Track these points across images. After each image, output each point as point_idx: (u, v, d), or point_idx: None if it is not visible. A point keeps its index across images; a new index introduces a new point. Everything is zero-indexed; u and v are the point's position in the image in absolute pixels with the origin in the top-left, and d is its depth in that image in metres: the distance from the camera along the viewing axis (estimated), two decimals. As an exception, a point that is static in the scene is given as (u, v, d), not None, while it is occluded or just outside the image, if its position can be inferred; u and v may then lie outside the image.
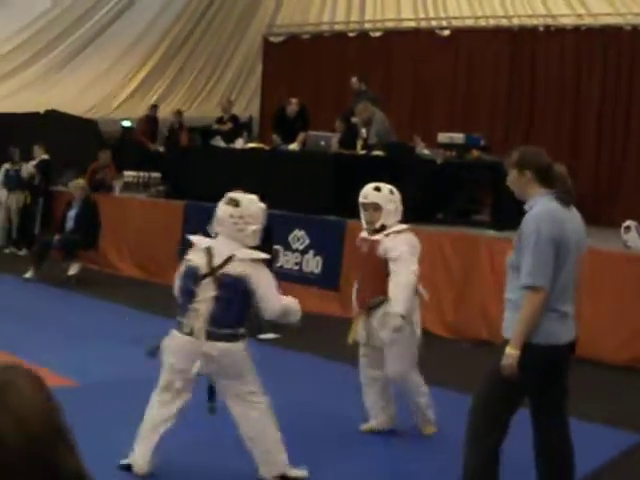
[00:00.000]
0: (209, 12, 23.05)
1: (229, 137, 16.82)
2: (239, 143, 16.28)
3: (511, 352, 5.27)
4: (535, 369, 5.44)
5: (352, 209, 12.08)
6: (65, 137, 19.27)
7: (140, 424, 6.18)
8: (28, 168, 17.46)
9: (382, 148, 14.01)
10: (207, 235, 6.52)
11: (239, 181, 11.95)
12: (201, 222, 13.08)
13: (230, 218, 6.31)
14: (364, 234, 7.52)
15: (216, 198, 11.53)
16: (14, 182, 17.59)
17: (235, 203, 6.35)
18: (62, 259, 14.80)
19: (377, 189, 7.40)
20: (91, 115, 22.68)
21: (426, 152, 14.82)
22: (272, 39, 22.80)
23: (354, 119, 15.33)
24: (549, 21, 18.84)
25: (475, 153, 14.86)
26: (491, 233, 12.24)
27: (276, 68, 22.18)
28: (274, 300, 6.20)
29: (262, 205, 6.55)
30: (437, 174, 14.14)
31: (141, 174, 18.25)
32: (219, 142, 16.57)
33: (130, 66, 23.57)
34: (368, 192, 7.41)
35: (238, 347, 6.10)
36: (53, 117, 20.87)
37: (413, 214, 11.05)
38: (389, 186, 7.50)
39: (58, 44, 21.89)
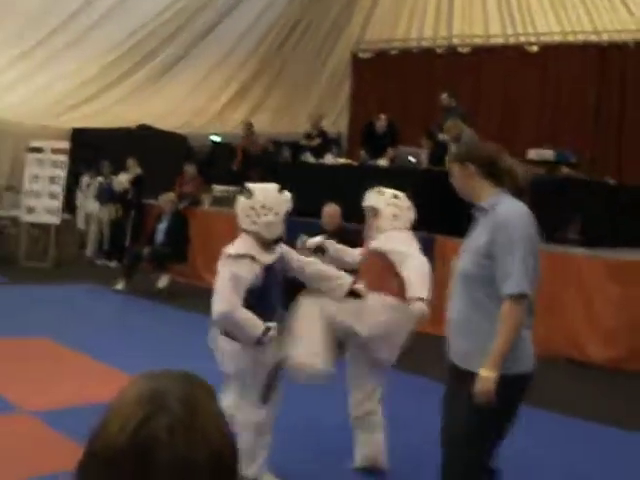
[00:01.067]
0: (298, 28, 23.23)
1: (318, 152, 16.93)
2: (328, 159, 16.38)
3: (489, 375, 4.39)
4: (514, 403, 4.65)
5: (441, 225, 12.10)
6: (155, 152, 19.57)
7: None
8: (121, 182, 17.80)
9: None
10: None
11: (328, 196, 12.09)
12: (289, 236, 13.26)
13: (242, 211, 5.96)
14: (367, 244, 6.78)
15: (305, 213, 11.68)
16: (107, 195, 17.98)
17: (248, 193, 5.95)
18: (152, 271, 15.03)
19: (379, 192, 6.83)
20: (181, 130, 22.99)
21: (515, 169, 14.77)
22: (360, 55, 22.94)
23: (441, 135, 15.34)
24: (638, 36, 18.71)
25: (564, 170, 14.75)
26: (581, 251, 12.13)
27: (364, 84, 22.30)
28: (215, 303, 5.65)
29: (283, 195, 6.02)
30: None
31: (230, 188, 18.44)
32: (308, 158, 16.71)
33: (220, 82, 23.85)
34: (368, 196, 6.88)
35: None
36: (144, 132, 21.20)
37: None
38: (397, 192, 6.83)
39: (147, 63, 22.24)
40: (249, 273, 5.72)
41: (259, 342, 5.65)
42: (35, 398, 7.68)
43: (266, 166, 17.37)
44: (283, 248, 6.15)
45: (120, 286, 14.53)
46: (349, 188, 14.03)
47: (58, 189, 17.51)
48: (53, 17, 19.53)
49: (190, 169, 17.60)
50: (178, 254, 14.84)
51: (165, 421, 1.41)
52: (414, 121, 19.32)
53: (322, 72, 24.17)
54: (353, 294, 6.17)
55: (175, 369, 1.56)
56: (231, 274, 5.68)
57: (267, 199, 5.94)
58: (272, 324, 5.68)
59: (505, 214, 4.59)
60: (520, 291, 4.43)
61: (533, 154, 15.20)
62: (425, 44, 22.68)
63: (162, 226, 14.99)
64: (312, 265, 6.31)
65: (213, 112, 24.61)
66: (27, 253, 17.41)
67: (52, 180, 17.67)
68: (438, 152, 14.83)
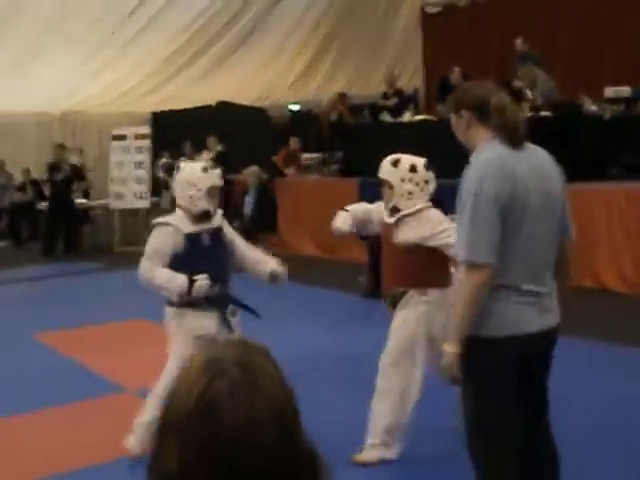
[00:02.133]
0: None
1: (396, 111, 16.98)
2: (406, 116, 16.44)
3: (448, 350, 4.13)
4: (500, 370, 4.20)
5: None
6: (235, 127, 19.73)
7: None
8: (204, 160, 18.01)
9: (549, 108, 13.96)
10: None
11: (409, 154, 12.18)
12: (376, 197, 13.37)
13: (175, 185, 6.51)
14: (384, 216, 6.41)
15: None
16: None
17: (178, 170, 6.52)
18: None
19: (394, 163, 6.25)
20: (259, 103, 23.15)
21: (593, 108, 14.66)
22: (429, 10, 22.83)
23: (517, 82, 15.28)
24: None
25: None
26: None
27: (436, 38, 22.23)
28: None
29: (206, 173, 6.33)
30: (605, 130, 13.95)
31: (314, 155, 18.59)
32: (386, 117, 16.78)
33: (292, 50, 23.96)
34: (383, 166, 6.34)
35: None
36: (223, 109, 21.38)
37: (583, 171, 11.02)
38: (417, 161, 6.32)
39: (217, 41, 22.43)
40: (167, 240, 6.16)
41: (189, 294, 5.99)
42: (140, 378, 7.96)
43: (346, 131, 17.50)
44: (224, 225, 6.47)
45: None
46: (429, 144, 14.11)
47: (144, 173, 17.82)
48: (122, 6, 19.82)
49: (294, 142, 17.75)
50: (267, 225, 15.04)
51: (225, 384, 1.54)
52: (488, 71, 19.19)
53: (393, 31, 24.11)
54: (274, 278, 6.42)
55: (233, 338, 1.70)
56: (150, 242, 6.21)
57: (191, 176, 6.29)
58: (199, 276, 5.98)
59: (470, 167, 4.20)
60: (472, 259, 4.05)
61: (610, 92, 15.09)
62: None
63: (249, 199, 15.21)
64: (242, 247, 6.54)
65: (289, 82, 24.75)
66: (120, 238, 17.78)
67: (137, 165, 17.98)
68: (514, 100, 14.76)
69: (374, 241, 11.53)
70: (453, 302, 4.20)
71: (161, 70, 22.74)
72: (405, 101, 18.23)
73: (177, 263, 6.12)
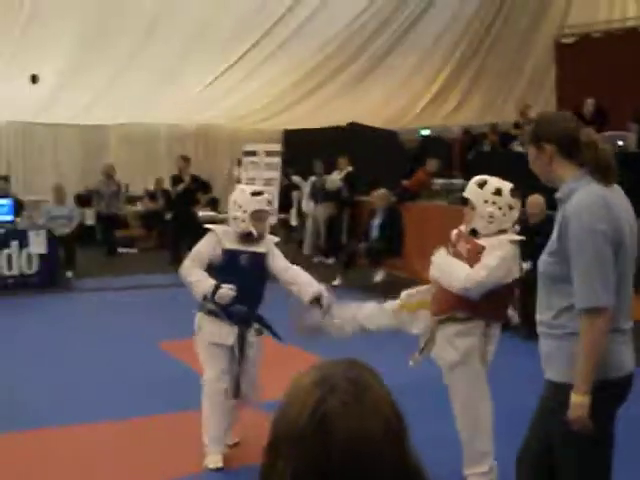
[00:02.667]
0: (499, 18, 23.19)
1: (527, 141, 16.95)
2: (537, 147, 16.40)
3: (579, 400, 3.90)
4: (610, 412, 4.11)
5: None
6: (366, 149, 19.86)
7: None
8: (334, 181, 18.21)
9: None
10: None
11: (537, 185, 12.18)
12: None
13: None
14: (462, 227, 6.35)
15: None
16: (320, 194, 18.40)
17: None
18: (368, 266, 15.37)
19: (480, 184, 6.06)
20: (390, 126, 23.28)
21: None
22: (564, 40, 22.66)
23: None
24: None
25: None
26: None
27: (570, 69, 22.00)
28: None
29: (254, 197, 6.60)
30: None
31: (442, 181, 18.63)
32: (517, 147, 16.75)
33: (426, 76, 24.05)
34: (469, 186, 6.18)
35: None
36: (355, 129, 21.56)
37: None
38: (504, 185, 6.05)
39: (357, 59, 22.63)
40: (209, 247, 6.65)
41: (212, 299, 6.49)
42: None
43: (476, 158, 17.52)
44: (271, 248, 6.80)
45: (337, 282, 14.76)
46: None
47: (274, 190, 18.06)
48: (258, 25, 20.18)
49: (433, 163, 17.87)
50: (393, 249, 15.10)
51: (338, 398, 1.62)
52: (622, 104, 19.00)
53: (527, 60, 24.04)
54: (317, 301, 6.60)
55: (340, 358, 1.81)
56: (198, 245, 6.75)
57: (239, 197, 6.65)
58: (226, 285, 6.45)
59: (575, 206, 3.99)
60: (597, 305, 3.88)
61: None
62: (629, 24, 22.24)
63: (376, 222, 15.27)
64: (290, 270, 6.82)
65: (420, 106, 24.86)
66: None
67: (267, 182, 18.22)
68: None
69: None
70: (576, 350, 3.95)
71: (295, 89, 23.07)
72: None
73: (212, 271, 6.62)
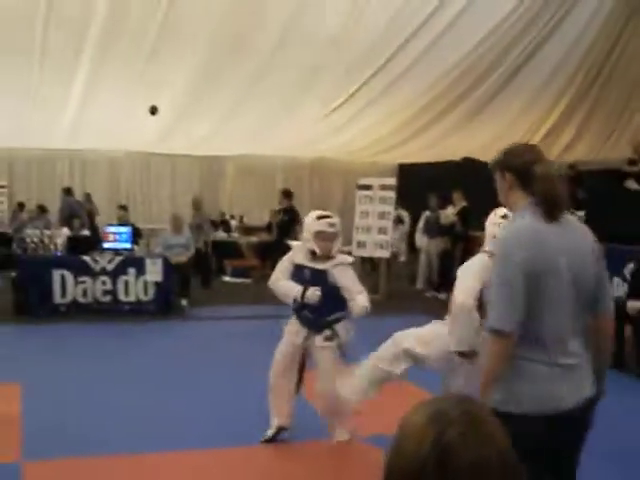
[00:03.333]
0: (614, 53, 22.89)
1: (641, 178, 16.69)
2: (652, 184, 16.17)
3: None
4: (527, 448, 3.45)
5: None
6: (480, 184, 19.77)
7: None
8: (448, 215, 18.19)
9: None
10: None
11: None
12: (618, 264, 13.26)
13: None
14: None
15: (633, 240, 11.62)
16: (434, 229, 18.38)
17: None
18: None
19: (495, 212, 6.43)
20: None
21: None
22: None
23: None
24: None
25: None
26: None
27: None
28: None
29: (317, 220, 7.48)
30: None
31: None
32: (632, 184, 16.51)
33: (539, 112, 23.88)
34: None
35: None
36: (469, 164, 21.51)
37: None
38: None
39: (467, 97, 22.58)
40: (288, 260, 7.67)
41: (302, 299, 7.41)
42: (370, 426, 8.21)
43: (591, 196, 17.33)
44: (337, 267, 7.48)
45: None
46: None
47: (387, 224, 18.08)
48: (372, 60, 20.30)
49: None
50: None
51: (456, 430, 1.64)
52: None
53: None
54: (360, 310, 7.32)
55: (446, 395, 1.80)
56: (281, 260, 7.79)
57: (307, 221, 7.65)
58: (313, 287, 7.35)
59: (503, 234, 4.27)
60: (495, 327, 3.99)
61: None
62: None
63: (490, 256, 15.18)
64: (345, 288, 7.45)
65: (535, 141, 24.67)
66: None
67: (381, 215, 18.24)
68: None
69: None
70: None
71: (410, 123, 23.14)
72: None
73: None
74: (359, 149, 24.32)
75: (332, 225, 7.44)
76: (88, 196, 22.37)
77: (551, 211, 4.12)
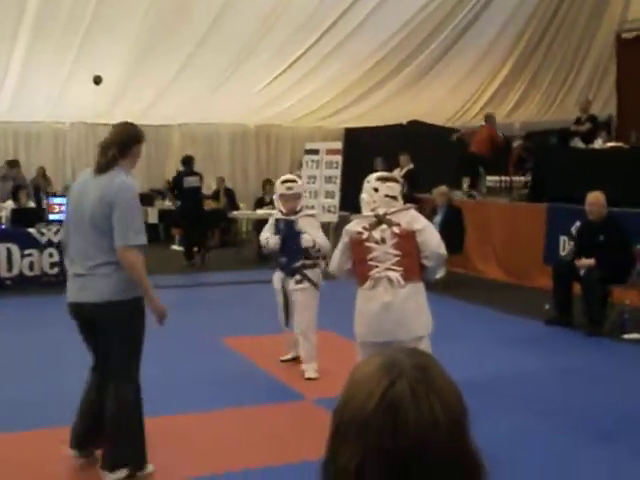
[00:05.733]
0: (558, 14, 23.01)
1: (588, 138, 16.84)
2: (598, 143, 16.30)
3: None
4: None
5: None
6: (426, 146, 19.87)
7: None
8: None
9: None
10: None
11: (599, 182, 12.09)
12: (564, 224, 13.36)
13: None
14: None
15: (578, 200, 11.72)
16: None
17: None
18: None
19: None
20: (451, 124, 23.25)
21: None
22: (625, 35, 22.39)
23: None
24: None
25: None
26: None
27: (631, 64, 21.75)
28: None
29: (281, 184, 9.17)
30: None
31: (502, 178, 18.63)
32: (578, 143, 16.66)
33: (485, 74, 23.98)
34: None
35: None
36: (415, 127, 21.57)
37: None
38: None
39: (417, 55, 22.61)
40: (272, 219, 9.35)
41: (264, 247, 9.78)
42: (320, 388, 8.31)
43: (534, 154, 17.48)
44: (302, 218, 9.07)
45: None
46: (619, 172, 13.97)
47: (334, 188, 18.11)
48: (318, 24, 20.24)
49: None
50: (453, 246, 15.09)
51: (407, 384, 1.61)
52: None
53: (588, 56, 23.83)
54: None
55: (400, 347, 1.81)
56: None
57: (276, 186, 9.43)
58: (274, 237, 9.09)
59: None
60: None
61: None
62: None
63: (437, 219, 15.28)
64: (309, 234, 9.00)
65: (480, 104, 24.79)
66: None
67: (328, 179, 18.27)
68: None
69: (560, 269, 11.60)
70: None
71: (355, 87, 23.11)
72: (598, 127, 18.00)
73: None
74: (305, 115, 24.28)
75: (290, 188, 8.99)
76: (41, 169, 22.01)
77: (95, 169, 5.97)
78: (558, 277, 11.53)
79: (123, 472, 5.98)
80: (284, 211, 9.03)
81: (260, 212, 19.41)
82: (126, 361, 5.96)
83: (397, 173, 18.25)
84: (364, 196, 6.65)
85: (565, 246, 13.79)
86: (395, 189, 6.63)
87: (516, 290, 14.52)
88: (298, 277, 8.97)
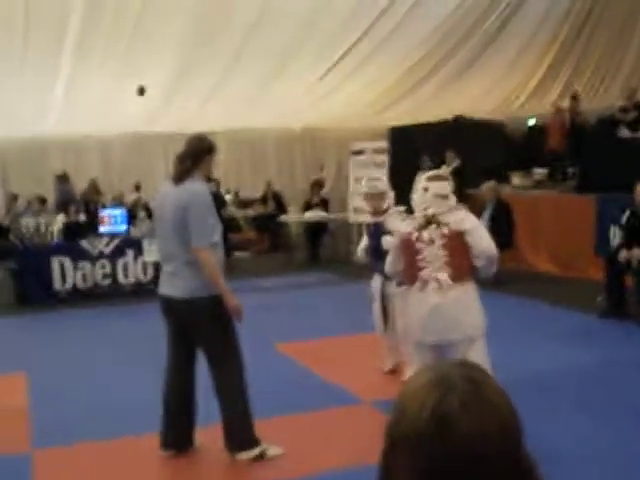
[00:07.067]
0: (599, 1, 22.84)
1: (635, 126, 16.65)
2: (645, 131, 16.16)
3: None
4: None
5: None
6: (473, 141, 19.76)
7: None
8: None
9: None
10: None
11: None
12: (614, 214, 13.23)
13: None
14: None
15: (627, 188, 11.60)
16: (429, 189, 18.31)
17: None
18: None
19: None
20: (496, 116, 23.11)
21: None
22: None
23: None
24: None
25: None
26: None
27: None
28: None
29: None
30: None
31: (546, 171, 18.51)
32: (624, 132, 16.49)
33: (528, 64, 23.79)
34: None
35: None
36: (460, 123, 21.49)
37: None
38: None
39: (453, 56, 22.51)
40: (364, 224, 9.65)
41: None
42: (376, 390, 8.30)
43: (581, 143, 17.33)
44: (389, 217, 8.10)
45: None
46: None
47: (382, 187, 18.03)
48: (358, 24, 20.22)
49: None
50: (504, 241, 15.03)
51: (457, 397, 1.62)
52: None
53: (630, 42, 23.57)
54: None
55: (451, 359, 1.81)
56: None
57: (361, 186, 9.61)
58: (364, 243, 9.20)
59: None
60: None
61: None
62: None
63: (486, 214, 15.23)
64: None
65: (525, 95, 24.62)
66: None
67: (376, 180, 18.23)
68: None
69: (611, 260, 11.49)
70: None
71: (398, 85, 23.07)
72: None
73: None
74: (349, 115, 24.26)
75: (373, 187, 8.82)
76: (93, 182, 22.17)
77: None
78: (610, 268, 11.43)
79: (255, 450, 6.69)
80: (369, 210, 8.95)
81: (309, 215, 19.43)
82: (227, 349, 6.66)
83: (444, 170, 18.20)
84: (415, 197, 6.66)
85: (616, 236, 13.68)
86: (445, 188, 6.62)
87: (568, 282, 14.43)
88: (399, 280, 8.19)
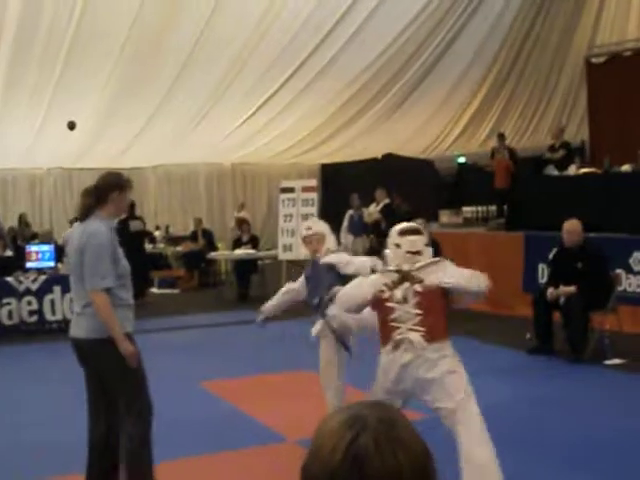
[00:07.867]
0: (527, 43, 23.23)
1: (562, 165, 16.89)
2: (572, 169, 16.36)
3: None
4: None
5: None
6: (403, 179, 19.89)
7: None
8: (371, 213, 18.23)
9: None
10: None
11: (575, 208, 12.14)
12: (542, 251, 13.37)
13: None
14: None
15: (554, 227, 11.73)
16: (359, 227, 18.40)
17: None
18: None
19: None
20: (426, 155, 23.32)
21: None
22: (594, 60, 22.55)
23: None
24: None
25: None
26: None
27: (601, 89, 21.89)
28: None
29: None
30: None
31: (479, 208, 18.65)
32: (552, 171, 16.70)
33: (457, 105, 24.11)
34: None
35: None
36: (390, 161, 21.62)
37: None
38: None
39: (383, 95, 22.71)
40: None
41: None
42: (300, 429, 8.24)
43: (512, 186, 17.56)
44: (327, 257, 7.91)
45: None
46: (593, 198, 14.04)
47: (311, 225, 18.06)
48: (289, 62, 20.34)
49: None
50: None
51: (370, 436, 1.62)
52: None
53: (559, 82, 24.00)
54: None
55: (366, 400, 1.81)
56: None
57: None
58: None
59: None
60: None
61: None
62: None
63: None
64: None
65: (454, 134, 24.89)
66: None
67: (304, 217, 18.22)
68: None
69: (539, 298, 11.57)
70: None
71: (329, 123, 23.19)
72: (572, 154, 18.04)
73: None
74: (279, 152, 24.32)
75: (308, 228, 8.18)
76: (22, 217, 21.91)
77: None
78: (538, 306, 11.51)
79: None
80: (307, 254, 8.35)
81: (238, 252, 19.34)
82: (129, 395, 6.25)
83: (373, 208, 18.27)
84: (387, 252, 6.32)
85: (544, 274, 13.81)
86: (418, 242, 6.20)
87: (498, 319, 14.49)
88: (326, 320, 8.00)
